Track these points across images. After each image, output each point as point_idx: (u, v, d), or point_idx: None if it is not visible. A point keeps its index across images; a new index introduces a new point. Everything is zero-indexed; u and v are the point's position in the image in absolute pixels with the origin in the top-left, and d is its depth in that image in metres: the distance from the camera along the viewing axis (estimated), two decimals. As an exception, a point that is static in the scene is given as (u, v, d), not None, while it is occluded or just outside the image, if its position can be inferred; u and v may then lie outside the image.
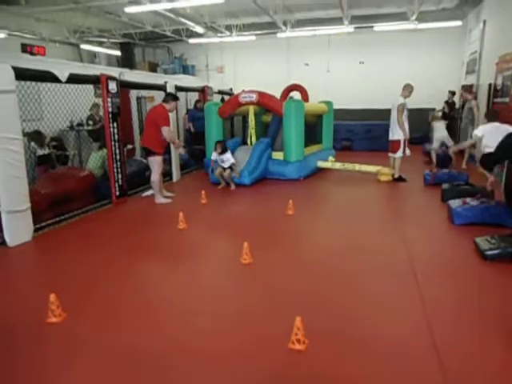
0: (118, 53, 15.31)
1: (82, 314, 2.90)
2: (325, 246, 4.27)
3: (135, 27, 13.10)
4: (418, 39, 13.01)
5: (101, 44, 15.19)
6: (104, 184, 6.06)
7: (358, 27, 12.54)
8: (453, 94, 11.19)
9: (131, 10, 10.06)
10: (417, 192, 6.74)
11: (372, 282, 3.35)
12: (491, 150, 4.51)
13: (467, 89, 9.40)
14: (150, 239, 4.55)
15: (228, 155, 6.89)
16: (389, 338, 2.55)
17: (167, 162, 7.30)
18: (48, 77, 4.93)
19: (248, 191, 6.92)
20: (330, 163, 8.41)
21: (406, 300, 3.05)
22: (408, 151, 7.29)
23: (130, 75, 8.64)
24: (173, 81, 8.45)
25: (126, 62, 14.61)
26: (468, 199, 4.97)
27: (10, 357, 2.43)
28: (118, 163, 6.03)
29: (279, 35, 13.27)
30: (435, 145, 8.75)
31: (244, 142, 8.31)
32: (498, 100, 8.15)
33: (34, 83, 5.41)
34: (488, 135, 4.84)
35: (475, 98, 9.02)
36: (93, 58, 15.70)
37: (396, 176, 7.43)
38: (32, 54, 9.10)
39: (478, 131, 5.00)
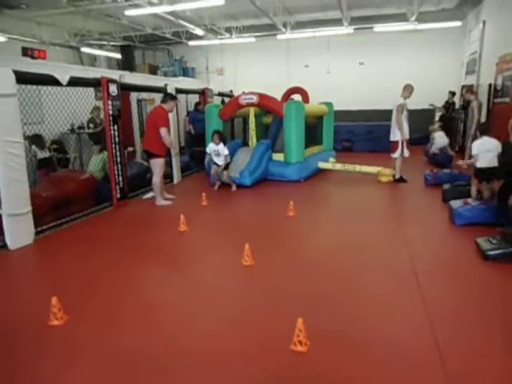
0: (118, 55, 15.34)
1: (84, 317, 2.90)
2: (326, 247, 4.27)
3: (135, 30, 13.12)
4: (417, 40, 13.01)
5: (101, 47, 15.23)
6: (105, 187, 6.07)
7: (357, 28, 12.55)
8: (453, 94, 11.20)
9: (131, 12, 10.08)
10: (418, 192, 6.74)
11: (373, 283, 3.35)
12: (484, 163, 4.98)
13: (469, 89, 9.41)
14: (150, 241, 4.55)
15: (222, 146, 6.82)
16: (390, 339, 2.55)
17: (168, 164, 7.30)
18: (49, 80, 4.96)
19: (249, 192, 6.92)
20: (330, 164, 8.42)
21: (408, 300, 3.04)
22: (407, 152, 7.27)
23: (131, 78, 8.66)
24: (173, 83, 8.48)
25: (127, 64, 14.63)
26: (469, 199, 4.97)
27: (12, 360, 2.44)
28: (119, 166, 6.04)
29: (279, 37, 13.29)
30: (434, 150, 9.02)
31: (245, 144, 8.32)
32: (498, 100, 8.14)
33: (34, 86, 5.43)
34: (482, 150, 5.07)
35: (476, 97, 9.03)
36: (93, 60, 15.73)
37: (397, 177, 7.42)
38: (33, 57, 9.13)
39: (474, 150, 5.18)
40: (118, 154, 6.00)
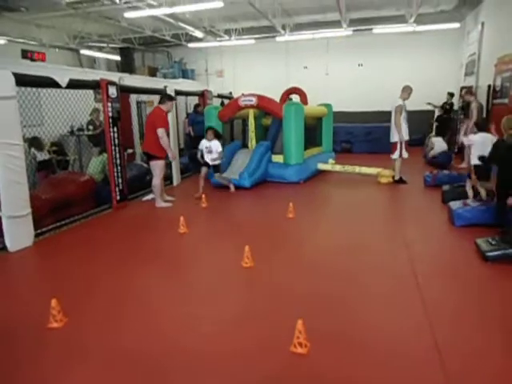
0: (117, 58, 15.36)
1: (84, 319, 2.90)
2: (325, 249, 4.27)
3: (135, 32, 13.15)
4: (416, 41, 13.04)
5: (100, 49, 15.25)
6: (104, 189, 6.07)
7: (356, 30, 12.57)
8: (451, 95, 11.21)
9: (130, 15, 10.10)
10: (417, 194, 6.75)
11: (373, 284, 3.35)
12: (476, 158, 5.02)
13: (468, 91, 9.45)
14: (150, 244, 4.55)
15: (216, 142, 6.55)
16: (390, 339, 2.55)
17: (168, 165, 7.30)
18: (48, 82, 4.96)
19: (248, 194, 6.92)
20: (330, 165, 8.43)
21: (407, 301, 3.04)
22: (405, 153, 7.28)
23: (130, 80, 8.66)
24: (172, 85, 8.48)
25: (126, 66, 14.65)
26: (468, 200, 4.97)
27: (12, 362, 2.43)
28: (119, 168, 6.04)
29: (278, 39, 13.32)
30: (434, 154, 9.12)
31: (244, 146, 8.33)
32: (497, 101, 8.15)
33: (34, 89, 5.44)
34: (478, 145, 5.17)
35: (476, 99, 9.05)
36: (92, 63, 15.77)
37: (396, 178, 7.43)
38: (32, 59, 9.14)
39: (470, 139, 5.36)
40: (117, 155, 6.01)
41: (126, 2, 9.37)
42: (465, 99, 9.46)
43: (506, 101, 7.63)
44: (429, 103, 10.69)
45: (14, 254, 4.26)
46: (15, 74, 4.30)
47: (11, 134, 4.26)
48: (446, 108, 11.08)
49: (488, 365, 2.30)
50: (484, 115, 8.61)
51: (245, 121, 9.35)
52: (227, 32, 13.42)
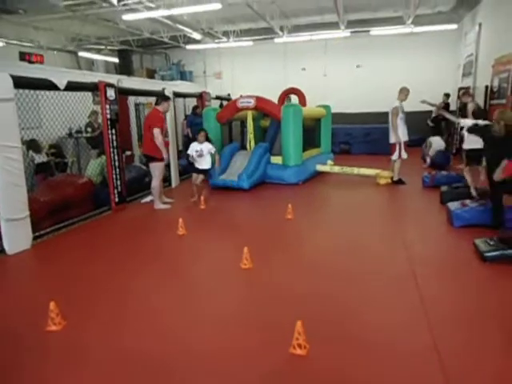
0: (115, 60, 15.37)
1: (82, 322, 2.89)
2: (324, 250, 4.27)
3: (133, 34, 13.17)
4: (414, 43, 13.08)
5: (99, 51, 15.27)
6: (103, 191, 6.06)
7: (354, 31, 12.61)
8: (447, 96, 11.23)
9: (129, 17, 10.11)
10: (416, 194, 6.76)
11: (372, 285, 3.35)
12: (473, 144, 5.44)
13: (465, 92, 9.49)
14: (149, 246, 4.54)
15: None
16: (389, 340, 2.55)
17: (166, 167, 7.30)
18: (46, 85, 4.95)
19: (247, 196, 6.92)
20: (328, 167, 8.43)
21: (407, 302, 3.04)
22: (404, 154, 7.30)
23: (128, 82, 8.67)
24: (171, 87, 8.49)
25: (124, 68, 14.66)
26: (467, 201, 4.98)
27: (10, 365, 2.42)
28: (117, 170, 6.04)
29: (276, 40, 13.36)
30: (432, 153, 9.12)
31: (242, 147, 8.33)
32: (495, 102, 8.19)
33: (32, 91, 5.43)
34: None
35: (473, 100, 9.08)
36: (91, 65, 15.78)
37: (395, 179, 7.45)
38: (30, 62, 9.14)
39: (463, 122, 5.68)
40: (116, 158, 6.00)
41: (124, 5, 9.38)
42: (462, 100, 9.50)
43: (503, 101, 7.66)
44: (423, 101, 10.60)
45: (12, 256, 4.25)
46: (13, 77, 4.29)
47: (9, 137, 4.25)
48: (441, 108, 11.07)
49: (486, 364, 2.30)
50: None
51: (243, 122, 9.35)
52: (225, 34, 13.44)
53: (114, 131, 5.95)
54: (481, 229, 4.50)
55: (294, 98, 11.07)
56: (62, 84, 5.04)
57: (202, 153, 6.20)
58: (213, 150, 6.30)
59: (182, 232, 4.84)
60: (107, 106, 5.83)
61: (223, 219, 5.70)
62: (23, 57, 9.45)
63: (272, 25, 11.67)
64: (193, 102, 10.20)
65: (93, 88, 5.82)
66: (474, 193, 5.40)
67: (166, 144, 6.22)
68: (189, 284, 3.53)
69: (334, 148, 10.72)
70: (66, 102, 6.03)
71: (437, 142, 9.16)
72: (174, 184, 7.87)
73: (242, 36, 13.56)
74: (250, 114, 7.99)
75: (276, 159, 7.81)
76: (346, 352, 2.45)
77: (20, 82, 4.46)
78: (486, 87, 8.73)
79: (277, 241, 4.62)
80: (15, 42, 11.60)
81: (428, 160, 9.19)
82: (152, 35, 13.06)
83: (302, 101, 10.76)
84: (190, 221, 5.15)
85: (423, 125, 10.79)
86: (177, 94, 8.23)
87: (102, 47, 14.88)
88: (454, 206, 4.93)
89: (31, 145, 6.35)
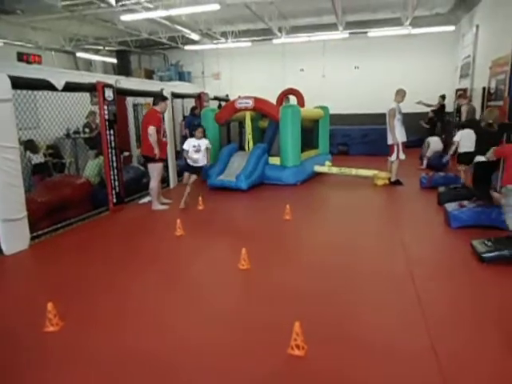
0: (114, 60, 15.35)
1: (80, 323, 2.88)
2: (322, 251, 4.27)
3: (131, 35, 13.15)
4: (412, 44, 13.13)
5: (97, 52, 15.25)
6: (101, 191, 6.05)
7: (352, 33, 12.64)
8: (443, 97, 11.26)
9: (127, 17, 10.10)
10: (413, 195, 6.77)
11: (370, 286, 3.36)
12: (466, 149, 6.08)
13: (461, 94, 9.55)
14: (147, 246, 4.54)
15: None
16: (387, 341, 2.55)
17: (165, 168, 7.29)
18: (44, 85, 4.94)
19: (245, 196, 6.92)
20: (326, 168, 8.44)
21: (404, 302, 3.05)
22: (402, 155, 7.32)
23: (126, 82, 8.66)
24: (169, 88, 8.48)
25: (122, 69, 14.65)
26: (464, 202, 4.99)
27: (8, 366, 2.42)
28: (115, 170, 6.03)
29: (275, 41, 13.37)
30: (429, 154, 9.15)
31: (240, 148, 8.33)
32: (492, 103, 8.21)
33: (30, 91, 5.42)
34: (464, 138, 6.18)
35: (469, 102, 9.13)
36: (89, 65, 15.75)
37: (393, 180, 7.46)
38: (28, 62, 9.12)
39: (457, 137, 6.39)
40: (114, 158, 5.99)
41: (122, 5, 9.38)
42: (458, 102, 9.55)
43: (500, 103, 7.68)
44: (419, 102, 10.60)
45: (9, 257, 4.24)
46: (11, 77, 4.28)
47: (7, 137, 4.24)
48: (435, 110, 11.10)
49: (484, 365, 2.31)
50: (477, 117, 8.67)
51: (241, 123, 9.35)
52: (224, 34, 13.45)
53: (112, 132, 5.94)
54: (478, 230, 4.52)
55: (292, 98, 11.08)
56: (59, 84, 5.04)
57: (200, 148, 6.14)
58: (209, 146, 6.24)
59: (180, 233, 4.84)
60: (105, 107, 5.82)
61: (221, 220, 5.70)
62: (21, 57, 9.42)
63: (270, 26, 11.69)
64: (191, 102, 10.19)
65: (91, 88, 5.81)
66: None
67: (164, 144, 6.21)
68: (186, 285, 3.52)
69: (332, 149, 10.73)
70: (63, 103, 6.01)
71: (435, 143, 9.17)
72: (172, 185, 7.86)
73: (241, 37, 13.57)
74: (248, 115, 8.00)
75: (274, 160, 7.81)
76: (343, 353, 2.45)
77: (18, 83, 4.45)
78: (484, 89, 8.76)
79: (275, 241, 4.62)
80: (13, 42, 11.57)
81: (425, 161, 9.19)
82: (150, 36, 13.06)
83: (300, 102, 10.77)
84: (188, 222, 5.14)
85: (421, 126, 10.83)
86: (175, 95, 8.22)
87: (100, 48, 14.86)
88: (451, 207, 4.95)
89: (29, 145, 6.33)
